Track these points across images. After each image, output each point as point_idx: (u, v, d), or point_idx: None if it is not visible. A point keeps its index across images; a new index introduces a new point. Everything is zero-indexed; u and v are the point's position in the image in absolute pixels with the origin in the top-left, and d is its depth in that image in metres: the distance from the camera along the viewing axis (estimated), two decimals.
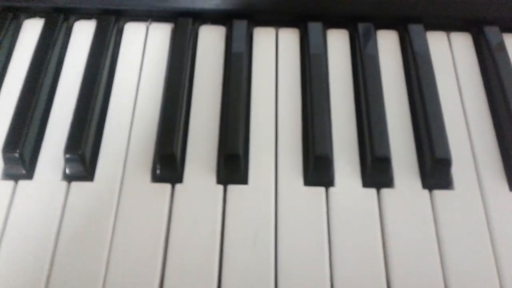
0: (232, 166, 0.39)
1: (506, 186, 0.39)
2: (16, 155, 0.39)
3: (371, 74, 0.44)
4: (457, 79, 0.45)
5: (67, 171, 0.40)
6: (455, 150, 0.39)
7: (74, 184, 0.39)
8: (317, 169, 0.39)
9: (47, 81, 0.43)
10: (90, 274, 0.35)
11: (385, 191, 0.38)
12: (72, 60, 0.46)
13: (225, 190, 0.39)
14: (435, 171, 0.38)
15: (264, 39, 0.48)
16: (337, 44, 0.47)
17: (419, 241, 0.36)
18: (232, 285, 0.35)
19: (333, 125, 0.41)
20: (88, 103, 0.41)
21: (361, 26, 0.47)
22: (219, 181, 0.39)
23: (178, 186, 0.39)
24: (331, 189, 0.39)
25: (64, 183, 0.39)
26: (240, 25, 0.47)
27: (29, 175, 0.40)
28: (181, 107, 0.41)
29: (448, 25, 0.48)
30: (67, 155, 0.39)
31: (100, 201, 0.38)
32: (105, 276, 0.35)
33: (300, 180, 0.39)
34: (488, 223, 0.37)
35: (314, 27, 0.47)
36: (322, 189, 0.39)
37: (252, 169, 0.40)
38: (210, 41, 0.48)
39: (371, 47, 0.46)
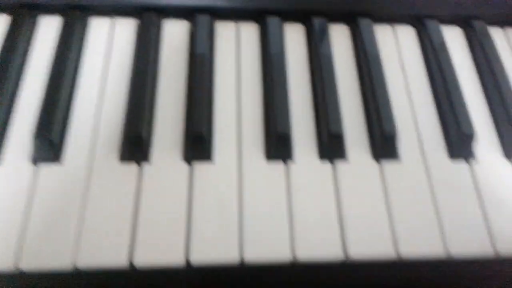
0: (197, 145, 0.41)
1: (446, 156, 0.43)
2: None
3: (325, 62, 0.47)
4: (402, 65, 0.49)
5: (36, 154, 0.41)
6: (401, 125, 0.43)
7: (43, 167, 0.41)
8: (277, 145, 0.41)
9: (14, 69, 0.45)
10: (60, 254, 0.37)
11: (339, 163, 0.41)
12: (38, 54, 0.47)
13: (191, 167, 0.41)
14: (383, 144, 0.42)
15: (225, 32, 0.50)
16: (294, 36, 0.51)
17: (371, 207, 0.39)
18: (200, 256, 0.37)
19: (291, 106, 0.44)
20: (56, 89, 0.43)
21: (315, 20, 0.51)
22: (185, 159, 0.41)
23: (145, 165, 0.41)
24: (291, 163, 0.41)
25: (32, 166, 0.40)
26: (203, 20, 0.50)
27: None
28: (147, 90, 0.43)
29: (393, 19, 0.52)
30: (36, 138, 0.40)
31: (69, 183, 0.40)
32: (76, 255, 0.37)
33: (262, 156, 0.42)
34: (430, 188, 0.41)
35: (272, 21, 0.50)
36: (282, 164, 0.41)
37: (216, 147, 0.42)
38: (175, 35, 0.50)
39: (324, 40, 0.50)
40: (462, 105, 0.44)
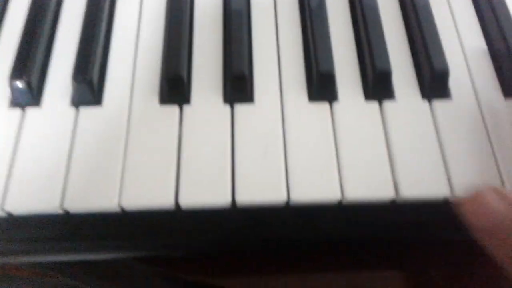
0: (238, 86, 0.40)
1: (501, 93, 0.41)
2: (24, 82, 0.39)
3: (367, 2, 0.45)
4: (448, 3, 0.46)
5: (75, 96, 0.40)
6: (451, 63, 0.41)
7: (83, 110, 0.40)
8: (321, 84, 0.40)
9: (50, 9, 0.44)
10: (106, 195, 0.36)
11: (387, 103, 0.40)
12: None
13: (232, 109, 0.40)
14: (434, 82, 0.40)
15: None
16: None
17: (421, 147, 0.38)
18: (246, 192, 0.36)
19: (333, 44, 0.42)
20: (93, 29, 0.42)
21: None
22: (226, 101, 0.40)
23: (186, 107, 0.40)
24: (335, 104, 0.40)
25: (73, 109, 0.40)
26: None
27: (37, 102, 0.40)
28: (185, 29, 0.42)
29: None
30: (75, 81, 0.40)
31: (110, 125, 0.39)
32: (122, 196, 0.36)
33: (305, 96, 0.40)
34: (484, 125, 0.39)
35: None
36: (326, 104, 0.40)
37: (257, 88, 0.41)
38: None
39: None
40: None
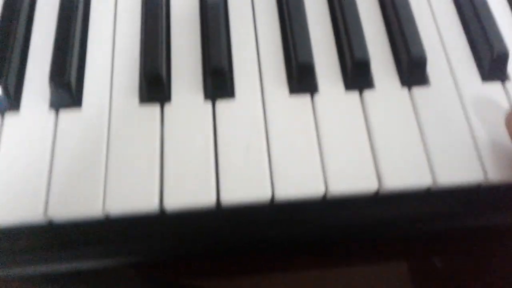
0: (218, 81, 0.40)
1: (479, 78, 0.41)
2: (0, 87, 0.39)
3: None
4: None
5: (54, 99, 0.40)
6: (429, 49, 0.41)
7: (62, 113, 0.39)
8: (301, 76, 0.40)
9: (24, 11, 0.43)
10: (90, 201, 0.36)
11: (367, 93, 0.40)
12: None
13: (213, 105, 0.40)
14: (412, 69, 0.40)
15: None
16: None
17: (402, 134, 0.38)
18: (230, 191, 0.36)
19: (311, 35, 0.42)
20: (68, 30, 0.41)
21: None
22: (206, 97, 0.40)
23: (167, 105, 0.40)
24: (316, 96, 0.40)
25: (52, 112, 0.39)
26: None
27: (16, 107, 0.40)
28: (161, 27, 0.41)
29: None
30: (53, 83, 0.39)
31: (91, 128, 0.39)
32: (106, 202, 0.36)
33: (285, 89, 0.40)
34: (463, 112, 0.39)
35: None
36: (307, 96, 0.40)
37: (237, 83, 0.40)
38: None
39: None
40: (493, 24, 0.42)
